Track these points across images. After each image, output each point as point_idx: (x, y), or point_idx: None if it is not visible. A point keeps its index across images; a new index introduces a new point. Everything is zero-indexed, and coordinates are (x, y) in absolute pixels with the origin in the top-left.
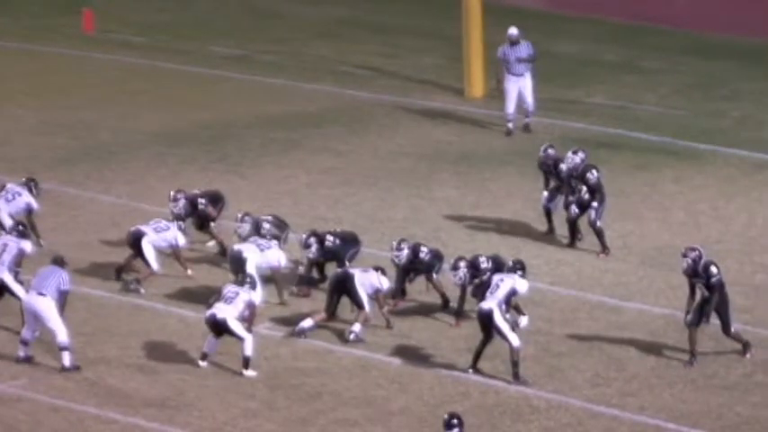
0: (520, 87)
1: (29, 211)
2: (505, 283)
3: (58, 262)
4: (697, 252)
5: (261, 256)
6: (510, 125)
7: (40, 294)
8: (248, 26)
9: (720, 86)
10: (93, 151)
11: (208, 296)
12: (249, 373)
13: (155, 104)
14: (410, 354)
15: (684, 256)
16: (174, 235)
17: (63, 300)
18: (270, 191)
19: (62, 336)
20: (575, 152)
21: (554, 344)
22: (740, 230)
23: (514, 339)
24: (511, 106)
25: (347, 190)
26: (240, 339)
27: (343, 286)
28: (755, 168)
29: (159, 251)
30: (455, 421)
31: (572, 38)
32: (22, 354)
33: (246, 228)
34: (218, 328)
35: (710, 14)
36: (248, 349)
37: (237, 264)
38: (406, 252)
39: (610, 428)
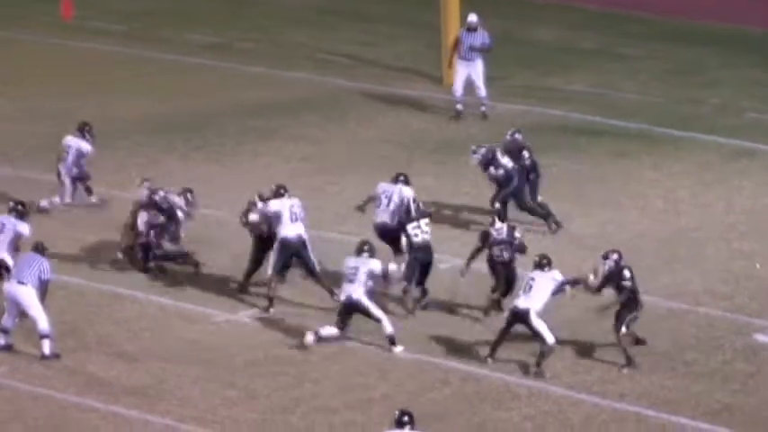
0: (470, 73)
1: (82, 155)
2: (538, 282)
3: (39, 249)
4: (617, 255)
5: None
6: (459, 107)
7: (21, 283)
8: (226, 14)
9: (699, 74)
10: None
11: (188, 285)
12: (397, 349)
13: (134, 93)
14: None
15: (605, 258)
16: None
17: (44, 288)
18: (249, 179)
19: (43, 324)
20: (512, 134)
21: None
22: (719, 217)
23: (550, 337)
24: (459, 88)
25: (326, 178)
26: (377, 321)
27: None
28: (734, 155)
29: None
30: (406, 418)
31: (550, 25)
32: (1, 342)
33: (145, 194)
34: (353, 309)
35: (688, 1)
36: (388, 327)
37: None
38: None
39: (590, 415)
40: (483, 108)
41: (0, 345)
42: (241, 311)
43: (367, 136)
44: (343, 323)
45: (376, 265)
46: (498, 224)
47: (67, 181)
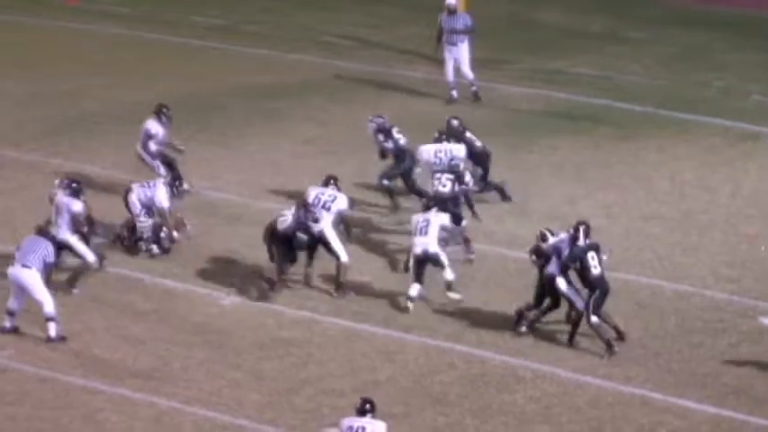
0: (455, 57)
1: (149, 136)
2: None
3: (43, 232)
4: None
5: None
6: (453, 93)
7: (25, 266)
8: None
9: (704, 57)
10: (79, 122)
11: (192, 268)
12: (454, 295)
13: (139, 75)
14: (396, 324)
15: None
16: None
17: (49, 271)
18: (254, 161)
19: (48, 306)
20: (448, 119)
21: None
22: (725, 201)
23: (580, 302)
24: (449, 74)
25: (331, 160)
26: (442, 267)
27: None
28: (739, 138)
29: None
30: (368, 406)
31: (556, 7)
32: (8, 324)
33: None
34: (428, 261)
35: None
36: (449, 275)
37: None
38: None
39: (596, 398)
40: (473, 88)
41: (6, 327)
42: (247, 293)
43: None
44: (420, 276)
45: (446, 219)
46: (551, 239)
47: (147, 159)
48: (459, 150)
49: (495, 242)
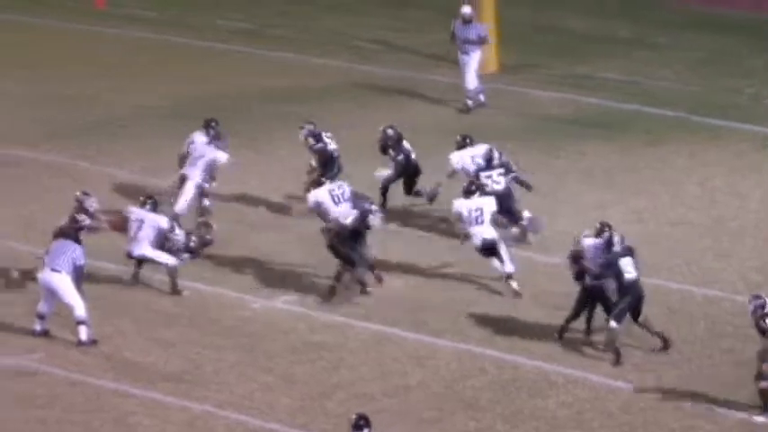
0: (467, 64)
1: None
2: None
3: (71, 236)
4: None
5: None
6: (480, 97)
7: (54, 270)
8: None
9: (731, 62)
10: (105, 125)
11: (223, 271)
12: (514, 284)
13: (165, 79)
14: (427, 329)
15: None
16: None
17: (79, 274)
18: (283, 165)
19: (79, 310)
20: (383, 129)
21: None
22: (755, 206)
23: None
24: None
25: (358, 164)
26: (501, 261)
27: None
28: None
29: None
30: (362, 422)
31: (577, 13)
32: (38, 328)
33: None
34: (490, 247)
35: None
36: (509, 266)
37: None
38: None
39: (628, 403)
40: (469, 102)
41: (37, 331)
42: (278, 297)
43: (396, 122)
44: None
45: (493, 203)
46: (583, 240)
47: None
48: (489, 150)
49: (523, 247)
